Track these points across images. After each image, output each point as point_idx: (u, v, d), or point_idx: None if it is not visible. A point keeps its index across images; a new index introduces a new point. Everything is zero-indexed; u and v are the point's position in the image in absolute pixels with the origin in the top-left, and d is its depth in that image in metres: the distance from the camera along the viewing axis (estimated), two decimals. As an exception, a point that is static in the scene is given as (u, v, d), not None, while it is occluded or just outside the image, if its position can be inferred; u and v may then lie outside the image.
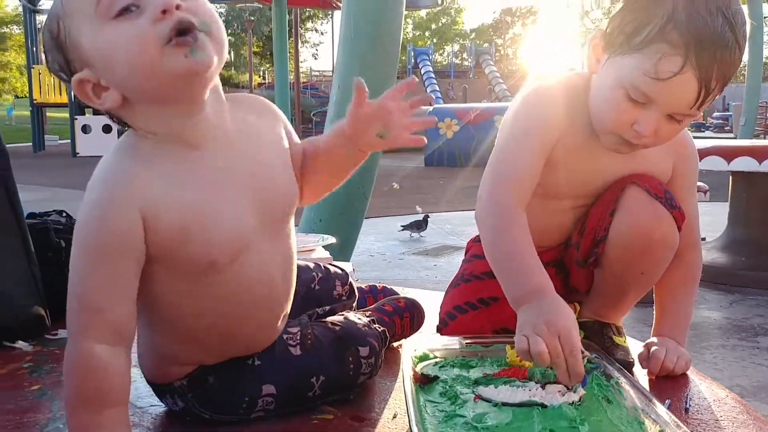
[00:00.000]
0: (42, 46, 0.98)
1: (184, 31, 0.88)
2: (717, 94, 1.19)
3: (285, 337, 1.14)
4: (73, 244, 0.92)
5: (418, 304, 1.47)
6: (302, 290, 1.26)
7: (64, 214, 1.90)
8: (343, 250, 3.20)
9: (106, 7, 0.88)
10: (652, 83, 1.14)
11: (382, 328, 1.25)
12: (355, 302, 1.42)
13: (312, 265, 1.37)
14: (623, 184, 1.33)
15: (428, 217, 5.40)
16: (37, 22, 18.49)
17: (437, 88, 26.60)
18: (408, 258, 4.54)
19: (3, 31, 30.91)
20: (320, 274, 1.36)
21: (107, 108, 0.94)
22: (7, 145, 1.58)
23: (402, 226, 5.36)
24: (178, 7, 0.88)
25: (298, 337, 1.14)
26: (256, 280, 1.04)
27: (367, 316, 1.31)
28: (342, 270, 1.42)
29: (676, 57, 1.11)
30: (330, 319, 1.23)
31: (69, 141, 15.92)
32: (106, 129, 15.19)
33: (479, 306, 1.48)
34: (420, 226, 5.34)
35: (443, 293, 1.56)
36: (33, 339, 1.53)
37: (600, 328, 1.42)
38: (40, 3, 17.54)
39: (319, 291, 1.33)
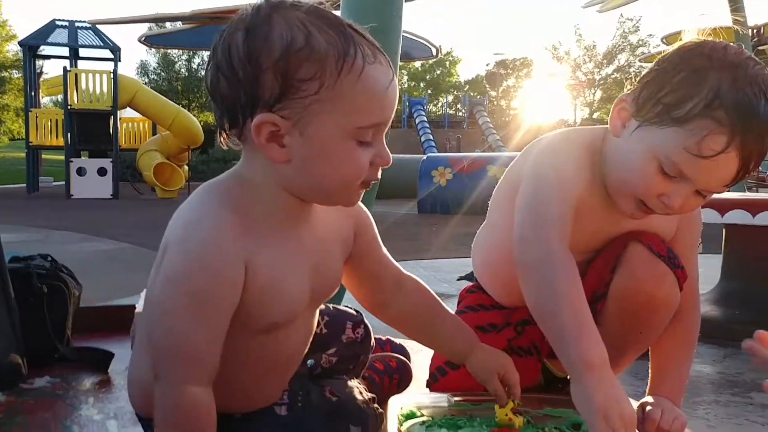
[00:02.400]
0: (224, 63, 0.90)
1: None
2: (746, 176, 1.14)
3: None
4: (169, 290, 0.90)
5: (408, 367, 1.44)
6: None
7: (49, 258, 1.83)
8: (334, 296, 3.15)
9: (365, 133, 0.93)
10: (691, 159, 1.10)
11: (380, 410, 1.20)
12: (370, 352, 1.36)
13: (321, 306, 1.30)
14: (625, 240, 1.29)
15: None
16: (37, 67, 18.63)
17: (431, 137, 26.83)
18: (398, 306, 4.49)
19: (2, 75, 31.14)
20: (327, 317, 1.30)
21: (269, 154, 0.92)
22: (0, 186, 1.54)
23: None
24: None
25: (286, 398, 1.11)
26: (295, 343, 1.10)
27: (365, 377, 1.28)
28: (356, 312, 1.36)
29: (722, 136, 1.07)
30: (331, 386, 1.18)
31: (63, 183, 15.87)
32: (101, 172, 15.17)
33: None
34: None
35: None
36: (7, 388, 1.45)
37: None
38: (41, 49, 17.67)
39: (325, 335, 1.27)
